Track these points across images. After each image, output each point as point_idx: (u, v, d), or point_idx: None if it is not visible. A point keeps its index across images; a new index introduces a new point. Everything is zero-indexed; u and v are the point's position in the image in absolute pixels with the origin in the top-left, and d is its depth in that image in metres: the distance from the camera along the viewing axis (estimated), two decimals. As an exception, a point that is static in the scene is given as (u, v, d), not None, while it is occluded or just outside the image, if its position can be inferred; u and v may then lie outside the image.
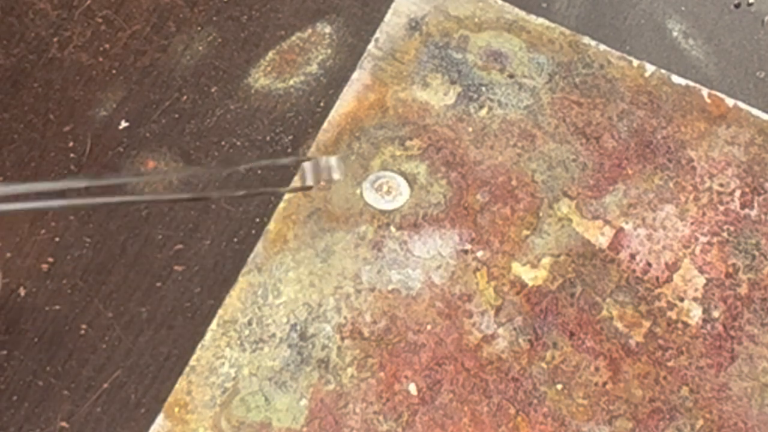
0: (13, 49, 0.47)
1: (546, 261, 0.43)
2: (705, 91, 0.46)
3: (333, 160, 0.41)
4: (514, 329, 0.42)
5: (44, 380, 0.42)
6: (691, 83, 0.46)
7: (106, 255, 0.44)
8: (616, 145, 0.45)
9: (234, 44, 0.48)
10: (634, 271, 0.43)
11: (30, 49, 0.47)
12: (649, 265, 0.43)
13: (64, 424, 0.41)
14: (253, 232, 0.44)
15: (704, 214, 0.44)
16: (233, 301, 0.42)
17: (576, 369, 0.41)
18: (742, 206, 0.44)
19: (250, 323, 0.42)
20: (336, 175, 0.41)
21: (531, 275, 0.43)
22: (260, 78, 0.47)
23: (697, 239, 0.43)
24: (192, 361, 0.41)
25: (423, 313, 0.42)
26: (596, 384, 0.41)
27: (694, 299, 0.42)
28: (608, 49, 0.47)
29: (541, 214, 0.44)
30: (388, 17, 0.47)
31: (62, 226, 0.44)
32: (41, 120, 0.46)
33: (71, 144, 0.45)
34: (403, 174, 0.44)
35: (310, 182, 0.41)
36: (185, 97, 0.46)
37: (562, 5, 0.49)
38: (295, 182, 0.43)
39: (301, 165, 0.41)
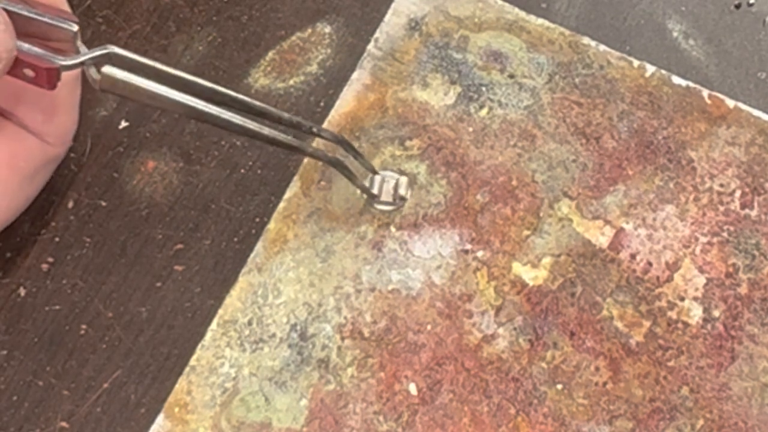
0: (13, 49, 0.47)
1: (546, 261, 0.43)
2: (705, 92, 0.46)
3: (402, 180, 0.43)
4: (515, 329, 0.42)
5: (44, 380, 0.42)
6: (692, 84, 0.46)
7: (106, 255, 0.44)
8: (616, 145, 0.45)
9: (234, 44, 0.48)
10: (634, 270, 0.43)
11: (30, 49, 0.47)
12: (650, 264, 0.43)
13: (64, 424, 0.41)
14: (253, 232, 0.44)
15: (704, 214, 0.44)
16: (233, 301, 0.42)
17: (576, 369, 0.41)
18: (743, 206, 0.44)
19: (250, 323, 0.42)
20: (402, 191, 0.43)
21: (531, 275, 0.43)
22: (260, 78, 0.47)
23: (697, 239, 0.43)
24: (192, 361, 0.41)
25: (423, 313, 0.42)
26: (596, 384, 0.41)
27: (695, 299, 0.42)
28: (608, 49, 0.47)
29: (541, 214, 0.44)
30: (388, 17, 0.47)
31: (62, 226, 0.44)
32: (41, 120, 0.46)
33: (71, 144, 0.44)
34: (403, 174, 0.44)
35: (375, 191, 0.43)
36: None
37: (562, 5, 0.49)
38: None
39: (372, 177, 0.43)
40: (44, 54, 0.37)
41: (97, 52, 0.37)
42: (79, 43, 0.38)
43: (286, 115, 0.41)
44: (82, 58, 0.37)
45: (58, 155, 0.42)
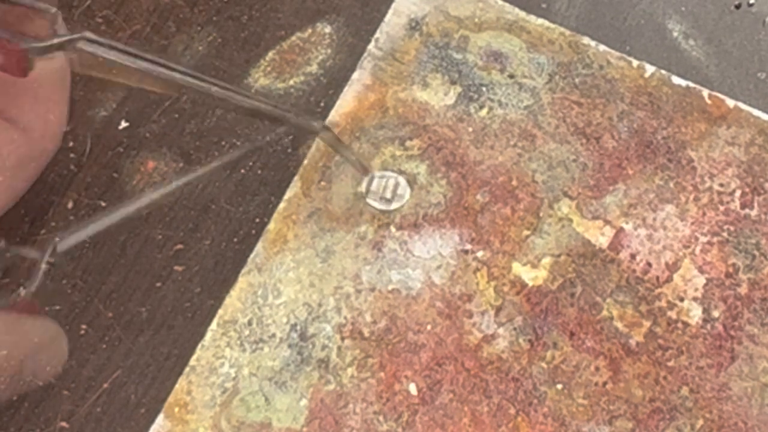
0: (13, 49, 0.47)
1: (546, 261, 0.43)
2: (705, 92, 0.46)
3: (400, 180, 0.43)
4: (514, 329, 0.42)
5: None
6: (692, 84, 0.46)
7: (106, 255, 0.44)
8: (616, 145, 0.45)
9: (234, 44, 0.48)
10: (634, 271, 0.43)
11: (30, 49, 0.47)
12: (650, 265, 0.43)
13: (64, 424, 0.41)
14: (253, 232, 0.44)
15: (704, 214, 0.44)
16: (233, 301, 0.42)
17: (576, 369, 0.41)
18: (743, 206, 0.44)
19: (250, 323, 0.42)
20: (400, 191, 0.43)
21: (531, 275, 0.43)
22: (260, 78, 0.47)
23: (697, 239, 0.43)
24: (192, 361, 0.41)
25: (423, 313, 0.42)
26: (596, 384, 0.41)
27: (694, 299, 0.42)
28: (608, 49, 0.47)
29: (541, 214, 0.44)
30: (388, 17, 0.47)
31: (62, 226, 0.44)
32: (41, 120, 0.46)
33: (71, 144, 0.45)
34: (403, 174, 0.44)
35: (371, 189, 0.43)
36: (185, 97, 0.46)
37: (562, 5, 0.49)
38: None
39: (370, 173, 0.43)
40: (12, 36, 0.35)
41: (68, 37, 0.36)
42: (59, 27, 0.37)
43: (263, 102, 0.40)
44: (52, 41, 0.36)
45: (45, 150, 0.41)
